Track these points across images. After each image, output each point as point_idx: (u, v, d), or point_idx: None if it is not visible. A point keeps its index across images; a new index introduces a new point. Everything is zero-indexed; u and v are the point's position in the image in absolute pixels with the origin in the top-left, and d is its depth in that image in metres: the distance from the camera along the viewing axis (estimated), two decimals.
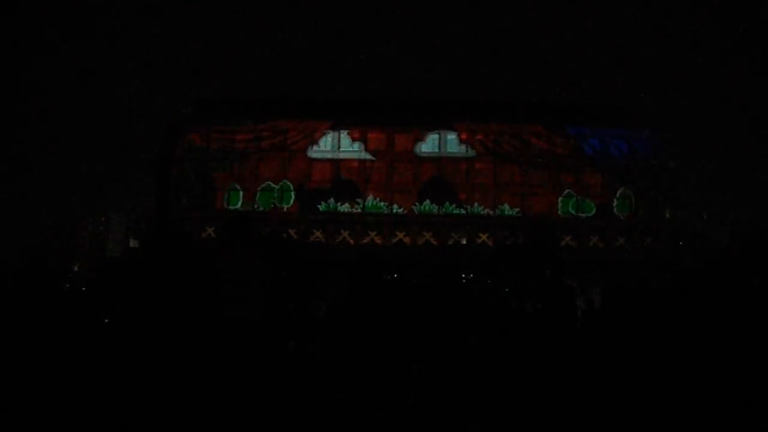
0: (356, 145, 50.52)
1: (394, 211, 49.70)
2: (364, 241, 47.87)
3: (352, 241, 46.69)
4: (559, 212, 47.66)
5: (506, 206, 49.65)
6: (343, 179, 50.74)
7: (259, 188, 52.06)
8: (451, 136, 50.62)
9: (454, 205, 49.84)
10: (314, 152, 50.07)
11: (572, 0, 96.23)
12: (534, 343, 8.71)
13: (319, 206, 48.77)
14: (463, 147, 50.05)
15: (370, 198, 50.85)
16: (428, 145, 50.35)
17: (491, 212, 49.23)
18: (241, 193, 50.81)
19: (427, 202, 50.22)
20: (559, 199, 50.24)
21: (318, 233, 47.20)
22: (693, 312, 7.30)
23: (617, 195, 50.03)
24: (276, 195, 49.68)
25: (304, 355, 9.20)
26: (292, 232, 45.35)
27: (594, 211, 50.17)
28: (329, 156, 50.43)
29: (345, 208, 50.73)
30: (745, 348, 6.25)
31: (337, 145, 50.24)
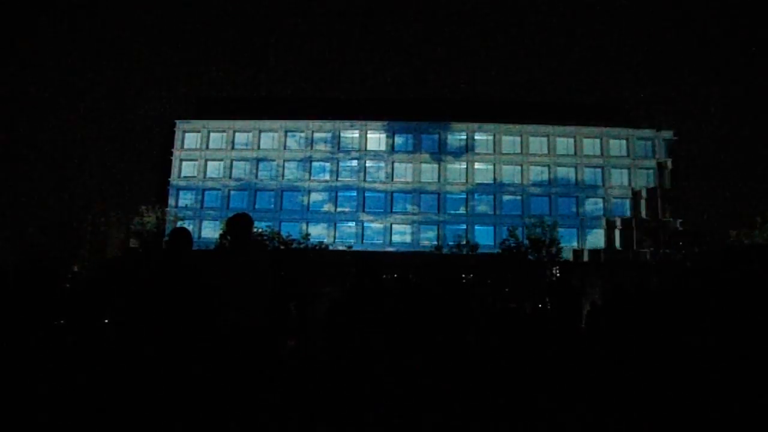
0: (356, 145, 50.73)
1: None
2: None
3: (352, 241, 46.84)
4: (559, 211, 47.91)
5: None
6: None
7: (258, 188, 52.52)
8: (452, 136, 50.82)
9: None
10: (313, 152, 50.37)
11: (573, 1, 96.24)
12: (535, 343, 8.72)
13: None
14: (464, 146, 50.24)
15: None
16: (428, 145, 50.61)
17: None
18: (240, 193, 51.33)
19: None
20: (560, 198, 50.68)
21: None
22: (694, 312, 7.30)
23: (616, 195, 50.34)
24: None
25: (304, 355, 9.20)
26: None
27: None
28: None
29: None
30: (745, 348, 6.26)
31: (337, 145, 50.50)
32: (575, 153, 49.69)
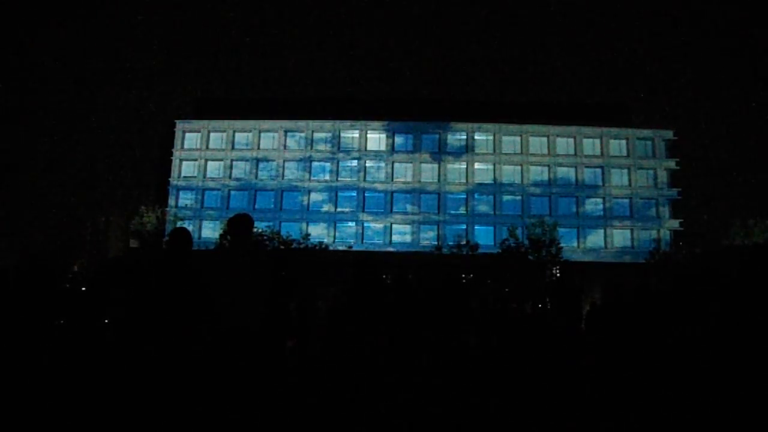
0: (356, 145, 50.74)
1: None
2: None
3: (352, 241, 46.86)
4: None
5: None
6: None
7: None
8: (453, 136, 50.83)
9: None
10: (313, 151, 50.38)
11: (573, 1, 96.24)
12: (535, 343, 8.71)
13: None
14: (464, 146, 50.25)
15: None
16: (428, 145, 50.60)
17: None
18: (240, 193, 51.33)
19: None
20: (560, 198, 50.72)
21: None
22: (694, 313, 7.30)
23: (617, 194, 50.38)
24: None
25: (304, 356, 9.19)
26: None
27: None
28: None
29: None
30: (745, 349, 6.26)
31: (337, 145, 50.48)
32: (575, 153, 49.68)
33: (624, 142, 50.14)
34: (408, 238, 47.56)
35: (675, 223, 48.03)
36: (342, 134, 50.42)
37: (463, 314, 7.56)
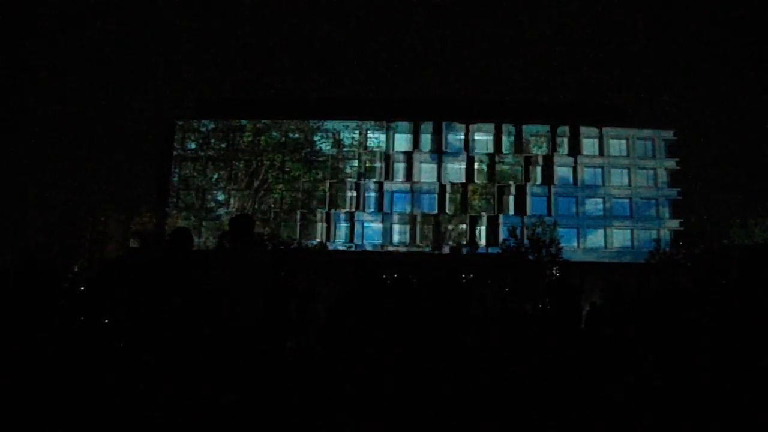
0: (356, 144, 50.74)
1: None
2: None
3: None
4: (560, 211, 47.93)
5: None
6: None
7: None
8: (453, 136, 50.78)
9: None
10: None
11: (572, 1, 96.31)
12: (535, 343, 8.71)
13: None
14: (463, 146, 50.21)
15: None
16: (427, 145, 50.54)
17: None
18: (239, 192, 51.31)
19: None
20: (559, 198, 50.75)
21: None
22: (694, 313, 7.30)
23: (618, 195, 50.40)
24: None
25: (304, 355, 9.19)
26: None
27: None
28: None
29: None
30: (745, 349, 6.26)
31: (338, 144, 50.44)
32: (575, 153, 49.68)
33: (624, 142, 50.10)
34: (407, 238, 47.51)
35: (675, 223, 48.00)
36: (342, 134, 50.36)
37: (462, 314, 7.56)
